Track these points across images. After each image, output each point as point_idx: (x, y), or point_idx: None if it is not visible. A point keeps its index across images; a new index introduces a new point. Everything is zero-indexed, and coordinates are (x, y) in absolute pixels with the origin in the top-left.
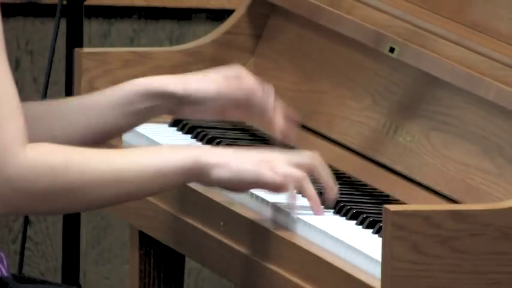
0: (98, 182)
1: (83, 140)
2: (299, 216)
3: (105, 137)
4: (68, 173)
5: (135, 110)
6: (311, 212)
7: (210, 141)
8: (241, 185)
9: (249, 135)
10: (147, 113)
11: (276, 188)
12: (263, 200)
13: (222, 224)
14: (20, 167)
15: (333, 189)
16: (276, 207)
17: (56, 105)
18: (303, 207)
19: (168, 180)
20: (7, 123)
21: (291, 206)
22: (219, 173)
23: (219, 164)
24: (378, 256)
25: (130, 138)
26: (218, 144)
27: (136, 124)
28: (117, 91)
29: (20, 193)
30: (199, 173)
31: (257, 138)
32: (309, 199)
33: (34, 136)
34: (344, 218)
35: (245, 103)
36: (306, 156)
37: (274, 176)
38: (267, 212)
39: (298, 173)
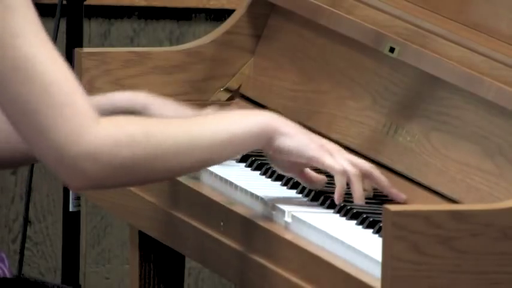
0: (176, 150)
1: None
2: (299, 216)
3: None
4: (148, 142)
5: None
6: (311, 212)
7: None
8: (299, 158)
9: None
10: None
11: (330, 171)
12: (263, 200)
13: (222, 224)
14: (100, 140)
15: (398, 195)
16: (276, 207)
17: None
18: (302, 208)
19: (240, 145)
20: (76, 99)
21: (339, 197)
22: (284, 140)
23: (287, 133)
24: (378, 256)
25: None
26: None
27: None
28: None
29: (104, 165)
30: (268, 138)
31: None
32: (354, 195)
33: None
34: (344, 218)
35: None
36: (365, 162)
37: (333, 162)
38: (267, 212)
39: (353, 168)
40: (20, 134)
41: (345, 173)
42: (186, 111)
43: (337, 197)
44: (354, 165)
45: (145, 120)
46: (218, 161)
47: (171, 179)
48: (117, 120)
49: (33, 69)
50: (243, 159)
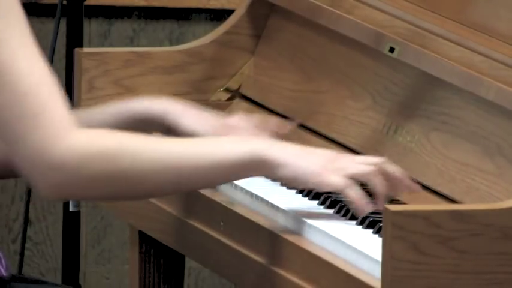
0: (152, 169)
1: None
2: (299, 216)
3: None
4: (121, 158)
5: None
6: (311, 211)
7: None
8: (305, 185)
9: None
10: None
11: (338, 190)
12: (263, 200)
13: (222, 224)
14: (70, 152)
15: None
16: (276, 207)
17: None
18: (303, 208)
19: (226, 172)
20: (51, 107)
21: (361, 209)
22: (284, 171)
23: (284, 163)
24: (378, 256)
25: None
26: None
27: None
28: (114, 112)
29: (72, 178)
30: (262, 168)
31: None
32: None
33: None
34: (344, 218)
35: None
36: (374, 158)
37: (338, 181)
38: (267, 212)
39: (365, 169)
40: None
41: (348, 185)
42: (207, 118)
43: (360, 211)
44: (365, 163)
45: (123, 136)
46: (203, 185)
47: (152, 197)
48: (93, 133)
49: (10, 76)
50: None
